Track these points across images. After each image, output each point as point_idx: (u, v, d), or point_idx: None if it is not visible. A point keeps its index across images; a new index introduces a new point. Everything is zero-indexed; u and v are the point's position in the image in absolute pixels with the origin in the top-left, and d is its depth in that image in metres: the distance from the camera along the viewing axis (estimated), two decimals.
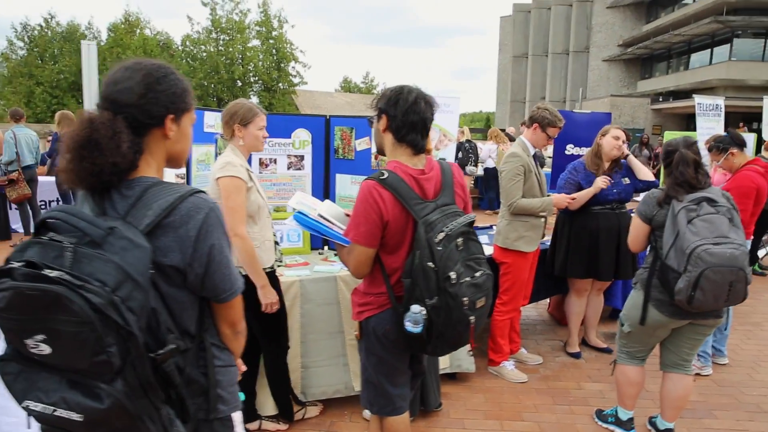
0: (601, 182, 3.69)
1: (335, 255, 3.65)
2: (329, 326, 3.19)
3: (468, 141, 10.43)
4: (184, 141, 1.33)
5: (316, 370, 3.18)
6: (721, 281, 2.38)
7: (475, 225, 2.04)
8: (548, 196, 3.64)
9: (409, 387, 2.21)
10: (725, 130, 5.58)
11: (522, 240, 3.55)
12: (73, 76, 28.29)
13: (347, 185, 3.87)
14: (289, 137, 3.79)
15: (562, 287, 4.38)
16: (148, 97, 1.21)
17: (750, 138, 8.63)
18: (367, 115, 2.56)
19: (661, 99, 29.46)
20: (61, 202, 7.44)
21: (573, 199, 3.71)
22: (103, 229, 1.10)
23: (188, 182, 3.48)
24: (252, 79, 31.51)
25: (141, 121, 1.21)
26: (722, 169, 4.05)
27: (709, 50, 28.60)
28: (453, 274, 1.78)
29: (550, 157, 5.83)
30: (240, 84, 30.83)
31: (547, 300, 4.98)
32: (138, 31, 30.95)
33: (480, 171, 10.97)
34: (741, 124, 18.62)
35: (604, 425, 3.13)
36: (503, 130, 11.67)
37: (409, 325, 1.82)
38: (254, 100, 28.82)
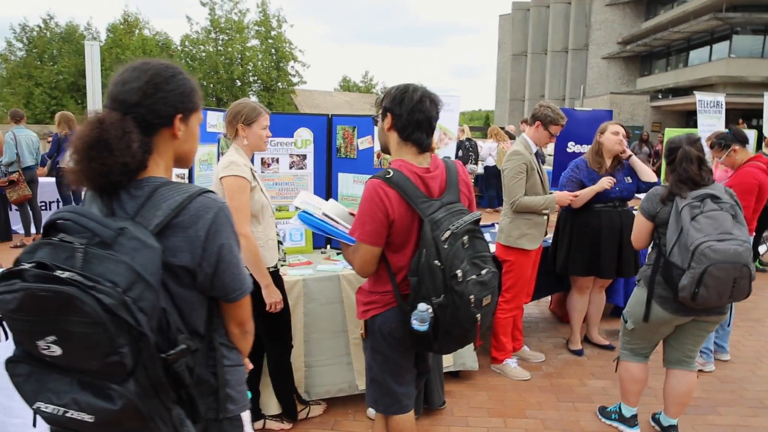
0: (606, 183, 3.69)
1: (338, 254, 3.65)
2: (332, 325, 3.19)
3: (468, 139, 10.43)
4: (192, 141, 1.34)
5: (320, 369, 3.18)
6: (725, 278, 2.39)
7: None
8: (551, 193, 3.65)
9: (414, 385, 2.21)
10: (727, 127, 5.58)
11: (525, 238, 3.55)
12: (72, 76, 28.23)
13: (350, 184, 3.87)
14: (291, 136, 3.79)
15: (563, 284, 4.39)
16: (157, 96, 1.21)
17: (750, 135, 8.60)
18: (369, 114, 2.56)
19: (660, 96, 29.44)
20: (61, 204, 7.44)
21: (576, 196, 3.72)
22: (114, 229, 1.10)
23: (191, 182, 3.48)
24: (251, 79, 31.50)
25: (150, 120, 1.21)
26: (724, 166, 4.06)
27: (708, 47, 28.58)
28: (459, 272, 1.78)
29: (550, 155, 5.81)
30: (239, 84, 30.83)
31: (549, 297, 4.99)
32: (137, 31, 30.88)
33: (480, 169, 10.97)
34: (740, 121, 18.59)
35: (608, 422, 3.13)
36: (503, 128, 11.68)
37: (415, 324, 1.82)
38: (254, 99, 28.79)
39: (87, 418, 1.04)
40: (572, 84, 36.71)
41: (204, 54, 30.45)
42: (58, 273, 1.01)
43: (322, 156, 3.91)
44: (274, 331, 2.82)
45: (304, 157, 3.86)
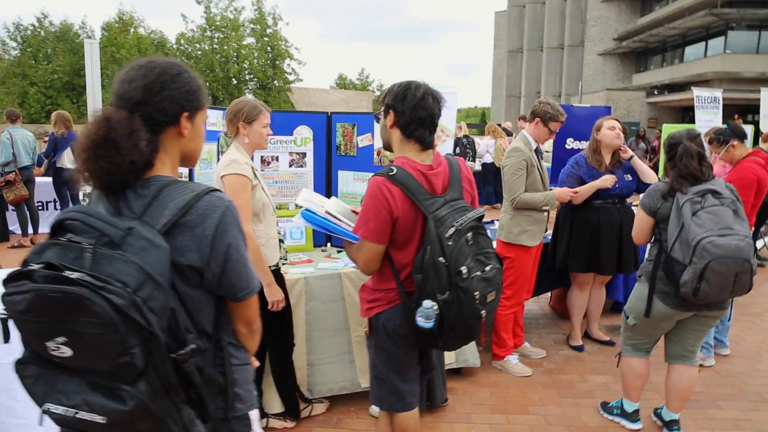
0: (609, 181, 3.70)
1: (338, 252, 3.65)
2: (334, 323, 3.19)
3: (465, 136, 10.43)
4: (198, 139, 1.33)
5: (322, 367, 3.18)
6: (727, 273, 2.39)
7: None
8: (550, 190, 3.65)
9: (418, 383, 2.21)
10: (725, 123, 5.59)
11: (525, 234, 3.55)
12: (67, 75, 28.11)
13: (350, 182, 3.86)
14: (291, 134, 3.78)
15: (563, 281, 4.39)
16: (164, 94, 1.20)
17: (747, 130, 8.63)
18: (367, 111, 2.55)
19: (656, 92, 29.53)
20: (58, 203, 7.41)
21: (576, 193, 3.72)
22: (122, 229, 1.09)
23: (191, 180, 3.47)
24: (247, 77, 31.46)
25: (156, 119, 1.20)
26: (722, 161, 4.07)
27: (703, 43, 28.67)
28: (464, 269, 1.78)
29: (548, 151, 5.81)
30: (235, 82, 30.78)
31: (549, 294, 5.00)
32: (132, 29, 30.77)
33: (477, 166, 10.96)
34: (736, 116, 18.64)
35: (610, 417, 3.15)
36: (500, 125, 11.68)
37: (420, 321, 1.82)
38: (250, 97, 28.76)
39: (99, 419, 1.03)
40: (568, 80, 36.77)
41: (200, 52, 30.39)
42: (68, 273, 1.00)
43: (322, 154, 3.90)
44: (276, 329, 2.82)
45: (304, 155, 3.85)
